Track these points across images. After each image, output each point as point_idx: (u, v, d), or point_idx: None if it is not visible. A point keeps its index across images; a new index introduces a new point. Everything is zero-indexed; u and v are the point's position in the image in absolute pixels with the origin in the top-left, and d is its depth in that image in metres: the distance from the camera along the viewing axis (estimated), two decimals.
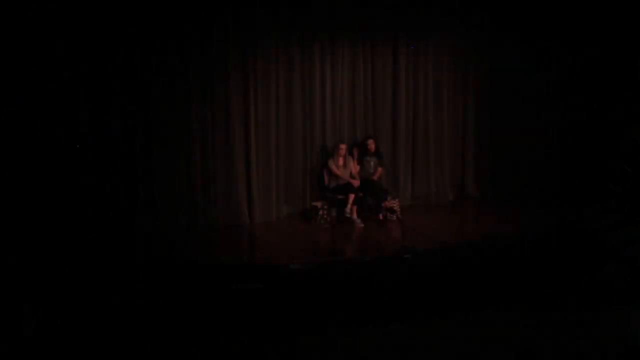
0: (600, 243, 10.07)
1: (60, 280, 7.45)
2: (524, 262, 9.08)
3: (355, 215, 9.74)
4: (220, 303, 7.77)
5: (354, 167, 10.02)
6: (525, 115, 11.45)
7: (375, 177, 10.11)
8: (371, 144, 10.17)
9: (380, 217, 9.82)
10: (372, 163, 10.19)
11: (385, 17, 10.45)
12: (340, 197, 9.89)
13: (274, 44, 9.86)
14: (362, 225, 9.70)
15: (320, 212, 9.76)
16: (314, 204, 9.93)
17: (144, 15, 9.07)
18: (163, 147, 9.38)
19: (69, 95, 8.78)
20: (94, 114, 8.99)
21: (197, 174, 9.56)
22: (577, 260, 9.75)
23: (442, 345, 7.80)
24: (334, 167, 9.90)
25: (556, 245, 9.50)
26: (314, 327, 7.80)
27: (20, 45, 8.46)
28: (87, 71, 8.84)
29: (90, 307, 7.42)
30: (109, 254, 8.49)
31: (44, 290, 7.04)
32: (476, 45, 11.12)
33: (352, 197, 9.68)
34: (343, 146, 9.99)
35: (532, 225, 9.67)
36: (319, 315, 7.92)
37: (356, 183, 9.78)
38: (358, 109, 10.53)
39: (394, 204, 10.00)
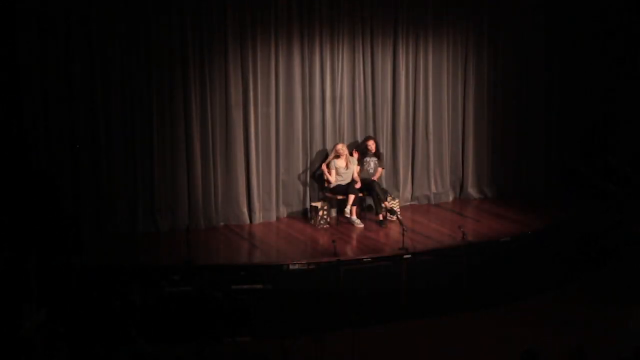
0: (600, 243, 10.08)
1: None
2: (523, 262, 9.08)
3: (355, 216, 9.73)
4: (221, 303, 7.78)
5: (356, 168, 9.99)
6: (526, 115, 11.42)
7: (375, 178, 10.10)
8: (371, 145, 10.15)
9: (380, 217, 9.81)
10: (372, 163, 10.18)
11: (385, 15, 10.42)
12: (340, 197, 9.88)
13: (274, 44, 9.84)
14: (362, 225, 9.69)
15: (320, 213, 9.75)
16: (314, 204, 9.92)
17: (145, 15, 9.10)
18: (163, 148, 9.39)
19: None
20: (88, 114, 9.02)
21: (196, 175, 9.54)
22: (577, 260, 9.76)
23: (443, 344, 7.82)
24: (332, 174, 9.85)
25: (556, 245, 9.50)
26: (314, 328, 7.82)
27: None
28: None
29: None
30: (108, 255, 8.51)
31: None
32: (476, 45, 11.09)
33: (352, 197, 9.67)
34: (339, 146, 9.93)
35: (532, 225, 9.62)
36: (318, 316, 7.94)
37: (358, 185, 9.76)
38: (358, 109, 10.49)
39: (394, 204, 9.99)
